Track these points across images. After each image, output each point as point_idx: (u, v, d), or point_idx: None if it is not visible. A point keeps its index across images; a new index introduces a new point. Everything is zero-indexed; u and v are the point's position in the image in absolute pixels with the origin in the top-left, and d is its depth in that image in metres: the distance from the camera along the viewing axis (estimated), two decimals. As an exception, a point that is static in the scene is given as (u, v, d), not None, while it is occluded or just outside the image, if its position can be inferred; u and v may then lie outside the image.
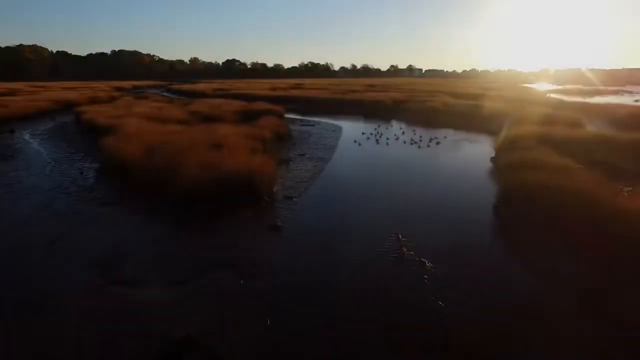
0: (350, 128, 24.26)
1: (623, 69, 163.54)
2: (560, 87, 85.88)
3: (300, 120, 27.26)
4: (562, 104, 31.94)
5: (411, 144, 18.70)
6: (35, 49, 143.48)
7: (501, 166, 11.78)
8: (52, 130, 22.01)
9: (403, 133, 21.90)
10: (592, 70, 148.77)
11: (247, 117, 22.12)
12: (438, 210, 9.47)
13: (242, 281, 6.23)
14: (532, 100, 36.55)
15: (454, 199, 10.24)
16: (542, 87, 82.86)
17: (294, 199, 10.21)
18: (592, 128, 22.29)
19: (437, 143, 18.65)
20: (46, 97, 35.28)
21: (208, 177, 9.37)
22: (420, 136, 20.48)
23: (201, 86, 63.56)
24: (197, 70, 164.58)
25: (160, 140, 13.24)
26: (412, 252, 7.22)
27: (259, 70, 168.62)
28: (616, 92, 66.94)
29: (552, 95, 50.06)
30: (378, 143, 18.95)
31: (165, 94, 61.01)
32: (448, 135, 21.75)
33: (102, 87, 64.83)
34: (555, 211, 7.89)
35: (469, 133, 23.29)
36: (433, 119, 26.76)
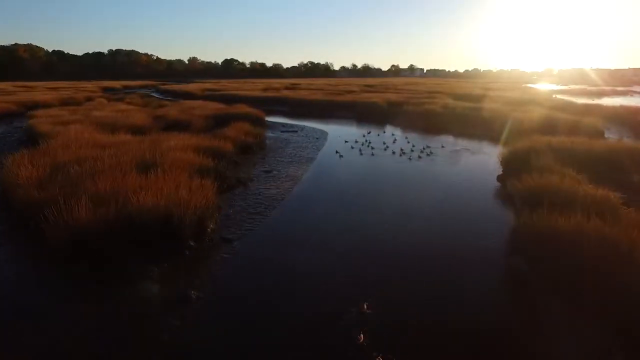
0: (337, 134, 21.61)
1: (629, 68, 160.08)
2: (564, 87, 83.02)
3: (284, 125, 24.62)
4: (571, 107, 29.19)
5: (401, 155, 16.05)
6: (30, 48, 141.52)
7: (513, 195, 9.08)
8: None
9: (395, 141, 19.26)
10: (596, 70, 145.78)
11: (219, 123, 19.50)
12: (423, 267, 6.81)
13: None
14: (538, 101, 33.78)
15: (446, 248, 7.56)
16: (546, 87, 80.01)
17: (233, 244, 7.57)
18: (611, 135, 19.60)
19: (429, 154, 16.02)
20: (15, 99, 32.72)
21: (105, 217, 6.72)
22: (413, 145, 17.82)
23: (192, 86, 60.91)
24: (195, 70, 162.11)
25: (87, 155, 10.62)
26: (376, 343, 4.59)
27: (258, 70, 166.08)
28: (625, 93, 64.12)
29: (559, 97, 47.29)
30: (362, 154, 16.30)
31: (154, 94, 58.60)
32: (446, 142, 19.10)
33: (89, 87, 62.31)
34: (597, 276, 5.25)
35: (470, 140, 20.63)
36: (430, 123, 24.10)
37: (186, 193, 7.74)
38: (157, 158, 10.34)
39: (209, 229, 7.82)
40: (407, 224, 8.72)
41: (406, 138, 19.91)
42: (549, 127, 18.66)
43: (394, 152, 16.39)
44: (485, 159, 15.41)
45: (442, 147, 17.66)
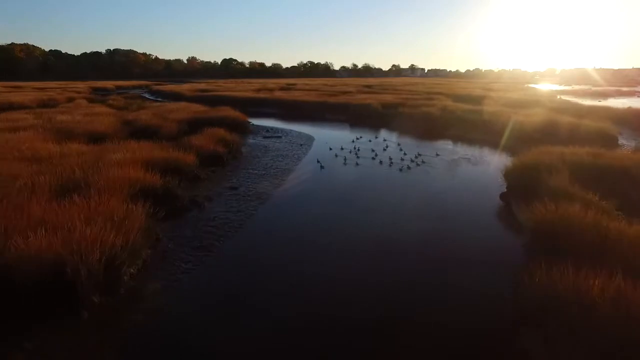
0: (325, 139, 19.83)
1: (632, 68, 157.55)
2: (567, 87, 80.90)
3: (268, 130, 22.80)
4: (578, 109, 27.29)
5: (390, 164, 14.29)
6: (26, 48, 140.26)
7: (522, 225, 7.28)
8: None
9: (386, 147, 17.49)
10: (599, 70, 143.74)
11: (194, 128, 17.69)
12: (404, 324, 5.03)
13: None
14: (542, 103, 31.95)
15: (436, 301, 5.77)
16: (548, 87, 77.98)
17: (156, 297, 5.82)
18: (624, 142, 17.78)
19: (422, 164, 14.28)
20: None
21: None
22: (405, 153, 16.06)
23: (185, 87, 59.12)
24: (194, 69, 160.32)
25: (2, 172, 8.84)
26: None
27: (257, 70, 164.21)
28: (630, 94, 62.11)
29: (563, 97, 45.36)
30: (346, 164, 14.53)
31: (145, 94, 56.91)
32: (443, 149, 17.31)
33: (79, 87, 60.45)
34: None
35: (469, 146, 18.86)
36: (428, 127, 22.30)
37: (99, 228, 5.96)
38: (89, 176, 8.56)
39: (125, 277, 6.04)
40: (389, 259, 6.95)
41: (399, 145, 18.12)
42: (556, 132, 16.87)
43: (381, 162, 14.60)
44: (485, 171, 13.60)
45: (437, 155, 15.85)
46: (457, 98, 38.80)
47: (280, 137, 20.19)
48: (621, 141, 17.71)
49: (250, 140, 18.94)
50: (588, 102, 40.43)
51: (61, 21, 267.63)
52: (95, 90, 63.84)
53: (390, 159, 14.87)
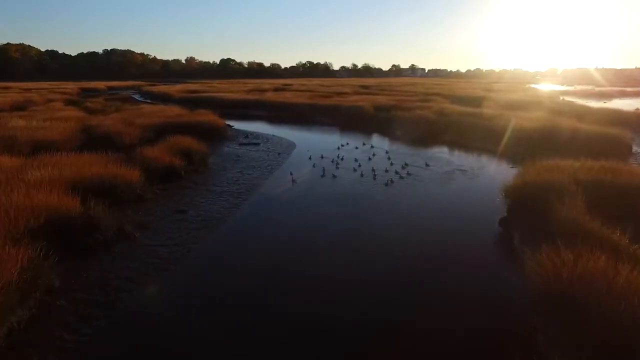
0: (307, 146, 18.06)
1: (635, 68, 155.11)
2: (570, 88, 78.86)
3: (248, 135, 20.97)
4: (584, 112, 25.45)
5: (374, 177, 12.52)
6: (22, 48, 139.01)
7: (529, 281, 5.50)
8: None
9: (373, 156, 15.72)
10: (601, 70, 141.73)
11: (161, 135, 15.87)
12: None
13: None
14: (544, 105, 30.13)
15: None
16: (550, 88, 76.08)
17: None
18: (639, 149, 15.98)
19: (408, 176, 12.56)
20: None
21: None
22: (392, 163, 14.33)
23: (176, 88, 57.06)
24: (192, 69, 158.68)
25: None
26: None
27: (255, 70, 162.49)
28: (636, 94, 60.16)
29: (566, 99, 43.47)
30: (324, 176, 12.79)
31: (135, 96, 55.32)
32: (436, 158, 15.56)
33: (68, 88, 58.44)
34: None
35: (466, 153, 17.12)
36: (421, 131, 20.52)
37: None
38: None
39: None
40: (338, 337, 5.15)
41: (387, 152, 16.33)
42: (563, 140, 15.07)
43: (362, 175, 12.82)
44: (483, 188, 11.78)
45: (427, 166, 14.06)
46: (455, 99, 36.94)
47: (258, 144, 18.38)
48: (635, 148, 15.93)
49: (225, 149, 17.16)
50: (592, 103, 38.58)
51: (62, 21, 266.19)
52: (85, 91, 62.14)
53: (374, 171, 13.08)
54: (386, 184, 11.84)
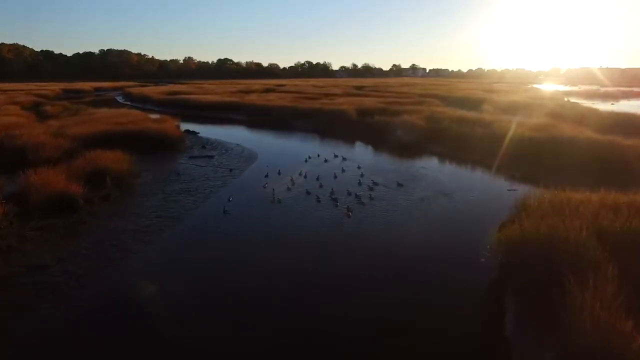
0: (270, 158, 15.50)
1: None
2: (573, 88, 75.84)
3: (205, 145, 18.20)
4: (594, 117, 22.69)
5: (336, 205, 9.95)
6: (15, 48, 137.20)
7: None
8: None
9: (341, 172, 13.11)
10: (606, 69, 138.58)
11: (91, 147, 13.30)
12: None
13: None
14: (548, 107, 27.45)
15: None
16: (553, 88, 73.06)
17: None
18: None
19: (370, 200, 9.99)
20: None
21: None
22: (359, 182, 11.73)
23: (160, 89, 54.33)
24: (189, 69, 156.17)
25: None
26: None
27: (253, 70, 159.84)
28: (644, 95, 57.33)
29: (571, 100, 40.70)
30: (272, 201, 10.21)
31: (118, 97, 52.94)
32: (415, 174, 12.97)
33: (49, 89, 55.58)
34: None
35: (456, 167, 14.55)
36: (406, 140, 17.88)
37: None
38: None
39: None
40: None
41: (359, 168, 13.66)
42: (569, 153, 12.44)
43: (319, 200, 10.22)
44: (468, 223, 9.11)
45: (400, 186, 11.44)
46: (452, 101, 34.17)
47: (212, 157, 15.72)
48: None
49: (170, 164, 14.53)
50: (599, 105, 35.76)
51: (62, 22, 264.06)
52: (69, 92, 59.57)
53: (332, 194, 10.51)
54: (349, 216, 9.17)
